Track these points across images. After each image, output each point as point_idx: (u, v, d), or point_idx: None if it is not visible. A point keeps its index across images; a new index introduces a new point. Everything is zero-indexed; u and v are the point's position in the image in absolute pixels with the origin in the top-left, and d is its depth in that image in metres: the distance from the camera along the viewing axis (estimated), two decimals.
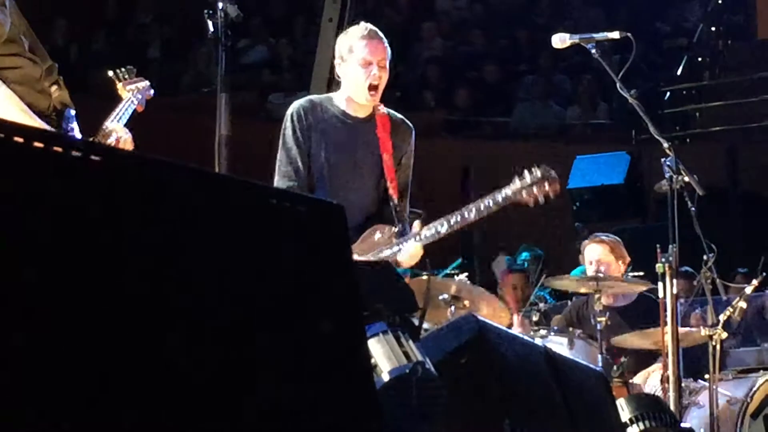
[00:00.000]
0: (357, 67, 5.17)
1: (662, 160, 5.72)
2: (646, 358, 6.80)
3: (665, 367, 5.91)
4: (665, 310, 5.73)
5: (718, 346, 6.20)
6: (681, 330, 5.85)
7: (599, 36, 5.78)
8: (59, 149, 2.13)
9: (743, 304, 6.52)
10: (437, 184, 12.81)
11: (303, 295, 2.49)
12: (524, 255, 11.46)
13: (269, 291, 2.43)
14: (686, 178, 5.65)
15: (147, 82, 5.58)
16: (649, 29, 15.19)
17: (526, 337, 5.62)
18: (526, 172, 5.27)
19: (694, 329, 6.57)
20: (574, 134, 15.04)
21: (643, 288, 6.54)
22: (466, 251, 12.09)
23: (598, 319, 6.27)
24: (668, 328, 5.67)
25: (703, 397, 6.37)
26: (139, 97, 5.45)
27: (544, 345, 5.36)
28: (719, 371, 6.32)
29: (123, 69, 5.56)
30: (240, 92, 13.59)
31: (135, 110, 5.43)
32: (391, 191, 5.19)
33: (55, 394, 2.02)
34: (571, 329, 6.58)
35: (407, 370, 3.89)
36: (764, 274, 7.40)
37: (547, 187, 5.26)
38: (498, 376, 4.39)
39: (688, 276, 8.13)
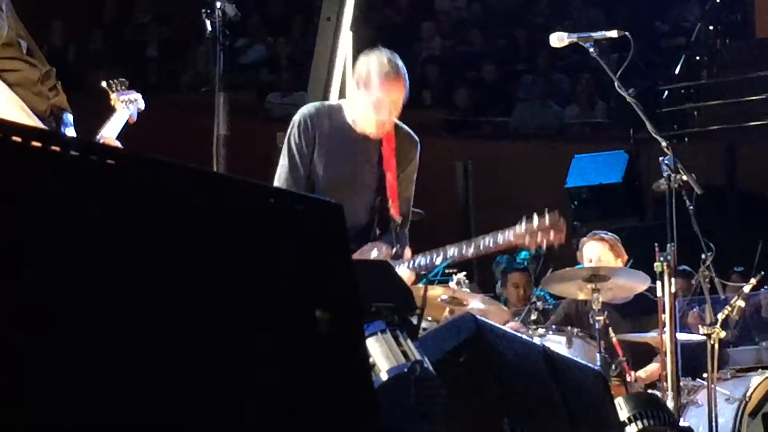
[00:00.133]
0: (369, 102, 4.99)
1: (660, 158, 5.72)
2: (645, 356, 6.81)
3: (663, 366, 5.91)
4: (663, 310, 5.73)
5: (716, 345, 6.20)
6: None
7: (597, 35, 5.78)
8: (57, 148, 2.14)
9: (741, 303, 6.52)
10: (436, 183, 12.81)
11: (302, 295, 2.49)
12: (524, 254, 11.46)
13: (268, 290, 2.44)
14: (684, 177, 5.65)
15: (139, 95, 5.61)
16: (648, 28, 15.20)
17: (524, 336, 5.62)
18: (535, 216, 5.16)
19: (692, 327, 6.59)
20: (572, 133, 15.06)
21: (642, 287, 6.54)
22: None
23: (597, 318, 6.27)
24: (666, 328, 5.67)
25: (702, 396, 6.38)
26: (131, 109, 5.49)
27: (543, 344, 5.37)
28: (718, 370, 6.32)
29: (116, 81, 5.59)
30: (238, 92, 13.60)
31: (127, 122, 5.47)
32: (392, 211, 5.10)
33: (55, 394, 2.03)
34: (569, 328, 6.58)
35: (406, 369, 3.89)
36: (762, 272, 7.40)
37: (552, 236, 5.15)
38: (497, 375, 4.39)
39: (686, 275, 8.14)
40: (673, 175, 5.62)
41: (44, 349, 2.03)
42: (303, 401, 2.43)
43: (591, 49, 5.70)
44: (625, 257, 7.09)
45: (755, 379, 6.71)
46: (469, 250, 5.15)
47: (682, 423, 6.05)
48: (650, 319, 6.34)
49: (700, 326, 6.45)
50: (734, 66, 15.01)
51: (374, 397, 2.75)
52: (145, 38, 16.10)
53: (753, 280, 6.86)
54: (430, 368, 4.00)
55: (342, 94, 9.67)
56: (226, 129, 4.81)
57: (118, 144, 5.18)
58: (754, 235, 11.74)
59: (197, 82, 14.92)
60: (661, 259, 5.64)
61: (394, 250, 5.10)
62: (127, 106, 5.47)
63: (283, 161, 5.14)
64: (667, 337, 5.69)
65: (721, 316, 6.32)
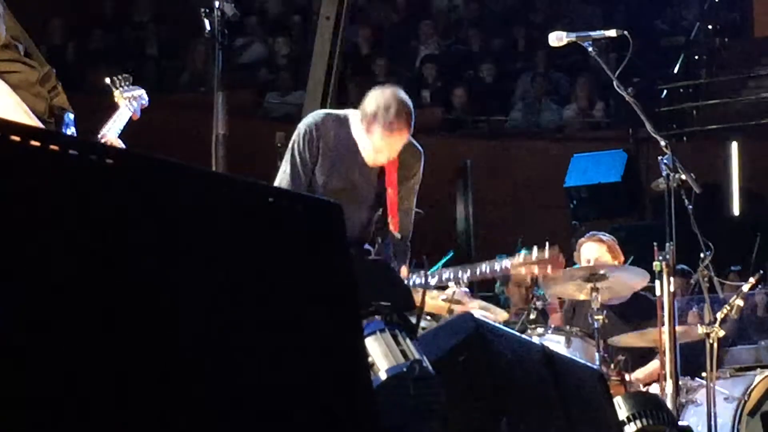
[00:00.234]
0: (369, 144, 4.96)
1: (659, 158, 5.72)
2: (644, 355, 6.81)
3: (663, 365, 5.91)
4: (662, 309, 5.73)
5: (715, 344, 6.20)
6: (678, 328, 5.86)
7: (596, 34, 5.78)
8: (57, 148, 2.14)
9: (740, 302, 6.52)
10: (435, 182, 12.80)
11: (301, 294, 2.49)
12: (523, 253, 11.44)
13: (267, 290, 2.44)
14: (683, 176, 5.65)
15: (143, 91, 5.58)
16: (646, 27, 15.19)
17: (523, 336, 5.63)
18: (535, 248, 5.28)
19: (690, 325, 6.58)
20: (571, 132, 15.06)
21: (642, 284, 6.54)
22: (463, 251, 12.10)
23: (595, 317, 6.27)
24: (665, 327, 5.67)
25: (701, 395, 6.38)
26: (135, 105, 5.46)
27: (542, 343, 5.37)
28: (717, 369, 6.32)
29: (120, 77, 5.57)
30: (237, 91, 13.59)
31: (130, 118, 5.46)
32: (391, 226, 5.08)
33: (55, 395, 2.03)
34: (568, 327, 6.59)
35: (405, 369, 3.90)
36: (761, 271, 7.41)
37: (549, 270, 5.29)
38: (495, 374, 4.39)
39: (684, 274, 8.14)
40: (671, 175, 5.62)
41: (44, 349, 2.03)
42: (302, 401, 2.43)
43: (590, 49, 5.70)
44: (622, 259, 7.09)
45: (755, 378, 6.71)
46: (465, 275, 5.26)
47: (681, 422, 6.05)
48: (649, 322, 6.33)
49: (699, 325, 6.44)
50: (733, 65, 15.02)
51: (373, 397, 2.75)
52: (144, 37, 16.10)
53: (752, 279, 6.86)
54: (429, 367, 4.01)
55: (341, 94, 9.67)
56: (225, 128, 4.81)
57: (120, 142, 5.17)
58: (752, 235, 11.76)
59: (196, 81, 14.92)
60: (660, 258, 5.64)
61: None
62: (130, 102, 5.45)
63: (285, 167, 5.09)
64: (666, 336, 5.69)
65: (720, 315, 6.32)
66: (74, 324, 2.08)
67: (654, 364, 6.69)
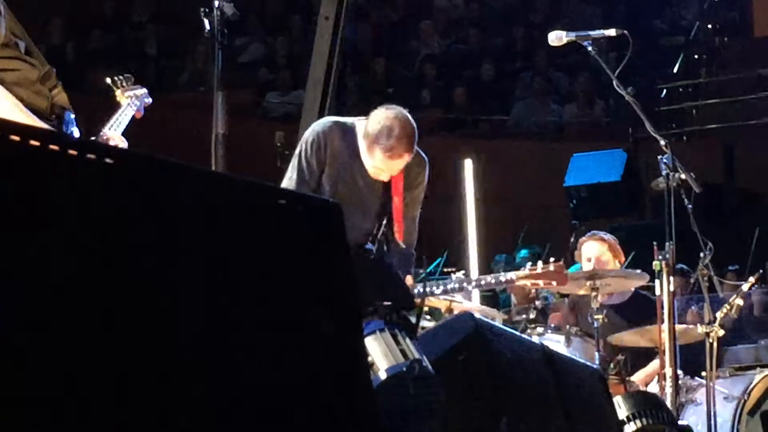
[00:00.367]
0: (370, 161, 4.97)
1: (659, 157, 5.72)
2: (643, 355, 6.81)
3: (663, 365, 5.91)
4: (662, 308, 5.73)
5: (715, 344, 6.20)
6: (678, 327, 5.86)
7: (596, 34, 5.78)
8: (56, 147, 2.14)
9: (740, 301, 6.52)
10: (435, 182, 12.80)
11: (301, 294, 2.49)
12: (523, 253, 11.46)
13: (267, 290, 2.44)
14: (683, 176, 5.65)
15: (145, 90, 5.58)
16: (646, 27, 15.20)
17: (523, 335, 5.63)
18: (540, 262, 5.47)
19: (690, 326, 6.58)
20: (571, 132, 15.06)
21: (642, 282, 6.54)
22: (463, 251, 12.09)
23: (595, 316, 6.27)
24: (665, 326, 5.67)
25: (701, 395, 6.38)
26: (137, 104, 5.47)
27: (542, 343, 5.37)
28: (716, 368, 6.32)
29: (121, 76, 5.57)
30: (237, 90, 13.58)
31: (133, 116, 5.46)
32: (396, 235, 5.09)
33: (54, 395, 2.03)
34: (568, 326, 6.59)
35: (404, 368, 3.90)
36: (761, 271, 7.41)
37: (554, 284, 5.50)
38: (495, 373, 4.39)
39: (683, 273, 8.14)
40: (671, 174, 5.63)
41: (44, 349, 2.03)
42: (302, 400, 2.43)
43: (589, 48, 5.70)
44: (623, 258, 7.10)
45: (755, 377, 6.71)
46: (470, 286, 5.38)
47: (681, 421, 6.05)
48: (650, 321, 6.33)
49: (698, 324, 6.45)
50: (732, 64, 15.01)
51: (373, 397, 2.75)
52: (143, 37, 16.09)
53: (752, 279, 6.86)
54: (429, 367, 4.01)
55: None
56: (225, 128, 4.82)
57: (122, 141, 5.17)
58: (751, 234, 11.76)
59: (196, 81, 14.91)
60: (660, 257, 5.64)
61: None
62: (133, 101, 5.46)
63: (291, 174, 5.08)
64: (666, 335, 5.69)
65: (719, 315, 6.32)
66: (74, 324, 2.08)
67: (654, 364, 6.70)
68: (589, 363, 5.75)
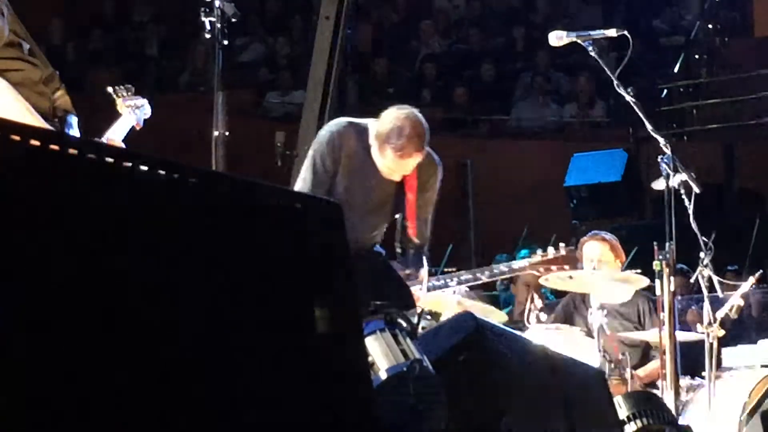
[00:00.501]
0: (381, 161, 5.02)
1: (659, 157, 5.72)
2: (644, 354, 6.81)
3: (663, 365, 5.91)
4: (662, 308, 5.73)
5: (715, 344, 6.20)
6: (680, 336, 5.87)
7: (596, 34, 5.78)
8: (56, 147, 2.13)
9: (741, 302, 6.52)
10: None
11: (301, 293, 2.49)
12: (523, 253, 11.44)
13: (268, 289, 2.43)
14: (683, 176, 5.65)
15: (145, 101, 5.62)
16: (647, 27, 15.20)
17: (524, 335, 5.63)
18: (550, 248, 5.52)
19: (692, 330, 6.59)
20: (571, 132, 15.06)
21: (642, 285, 6.54)
22: (463, 251, 12.10)
23: (595, 316, 6.27)
24: (665, 326, 5.67)
25: (701, 395, 6.37)
26: (138, 114, 5.50)
27: (542, 342, 5.37)
28: (717, 368, 6.32)
29: (122, 86, 5.61)
30: (237, 91, 13.58)
31: (133, 127, 5.49)
32: (409, 231, 5.12)
33: (54, 395, 2.02)
34: (568, 326, 6.59)
35: (405, 368, 3.90)
36: (762, 270, 7.40)
37: (567, 267, 5.59)
38: (496, 373, 4.39)
39: (683, 273, 8.14)
40: (672, 174, 5.63)
41: (44, 349, 2.03)
42: (302, 400, 2.43)
43: (590, 48, 5.70)
44: (624, 258, 7.10)
45: (754, 377, 6.70)
46: (483, 276, 5.45)
47: (681, 421, 6.05)
48: (650, 319, 6.34)
49: (698, 324, 6.44)
50: (733, 65, 15.01)
51: (373, 397, 2.75)
52: (143, 37, 16.10)
53: (752, 279, 6.86)
54: (430, 367, 4.01)
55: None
56: (225, 128, 4.82)
57: (122, 147, 5.20)
58: (751, 234, 11.76)
59: (196, 81, 14.91)
60: (660, 257, 5.64)
61: (408, 271, 5.14)
62: (133, 111, 5.49)
63: (306, 175, 5.10)
64: (666, 335, 5.69)
65: (719, 315, 6.32)
66: (74, 324, 2.08)
67: (654, 364, 6.70)
68: (589, 363, 5.75)
